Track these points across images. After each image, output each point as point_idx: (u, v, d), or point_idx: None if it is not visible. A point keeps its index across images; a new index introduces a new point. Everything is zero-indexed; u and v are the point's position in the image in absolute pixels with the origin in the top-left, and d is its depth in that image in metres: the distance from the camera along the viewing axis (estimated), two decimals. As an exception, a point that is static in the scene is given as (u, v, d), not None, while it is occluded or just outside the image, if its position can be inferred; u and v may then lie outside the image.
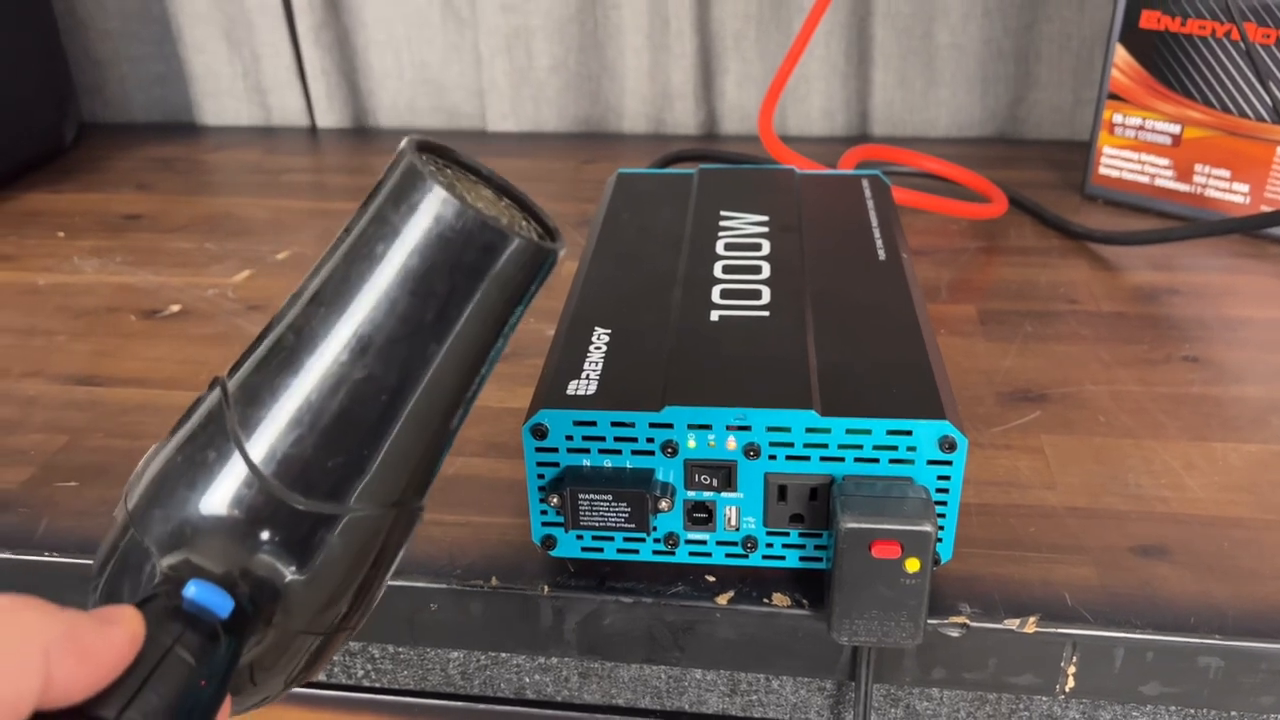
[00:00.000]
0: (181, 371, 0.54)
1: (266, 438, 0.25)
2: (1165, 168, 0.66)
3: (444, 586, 0.40)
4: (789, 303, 0.42)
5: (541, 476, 0.37)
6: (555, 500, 0.37)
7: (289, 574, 0.25)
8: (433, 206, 0.24)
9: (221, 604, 0.25)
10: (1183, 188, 0.65)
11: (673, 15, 0.81)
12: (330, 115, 0.87)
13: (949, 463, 0.36)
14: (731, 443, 0.36)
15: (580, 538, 0.39)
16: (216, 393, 0.26)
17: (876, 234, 0.48)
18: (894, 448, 0.35)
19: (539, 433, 0.36)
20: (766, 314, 0.41)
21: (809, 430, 0.35)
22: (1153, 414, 0.48)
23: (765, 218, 0.49)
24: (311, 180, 0.78)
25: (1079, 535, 0.41)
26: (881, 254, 0.46)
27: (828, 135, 0.84)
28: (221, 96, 0.88)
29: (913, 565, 0.34)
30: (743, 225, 0.49)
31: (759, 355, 0.38)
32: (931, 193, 0.66)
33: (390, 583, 0.40)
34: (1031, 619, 0.37)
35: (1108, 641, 0.37)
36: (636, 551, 0.39)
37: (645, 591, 0.39)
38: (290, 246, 0.66)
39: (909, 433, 0.35)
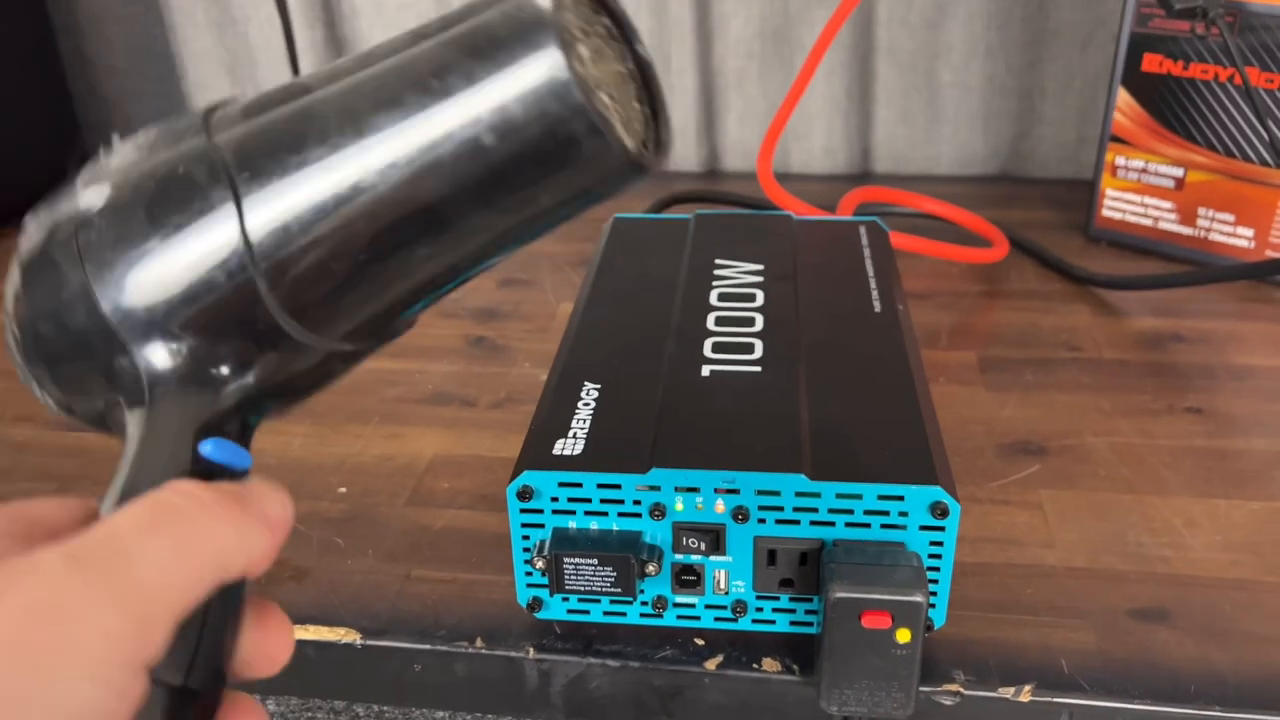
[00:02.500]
0: (173, 417, 0.53)
1: (287, 277, 0.22)
2: (1168, 211, 0.65)
3: (428, 647, 0.39)
4: (782, 357, 0.41)
5: (526, 538, 0.37)
6: (540, 564, 0.36)
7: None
8: (541, 71, 0.19)
9: (240, 459, 0.24)
10: (1186, 231, 0.65)
11: (674, 53, 0.81)
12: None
13: (941, 528, 0.35)
14: (720, 506, 0.35)
15: (566, 600, 0.38)
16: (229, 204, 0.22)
17: (873, 284, 0.47)
18: (885, 513, 0.35)
19: (524, 494, 0.36)
20: (759, 369, 0.40)
21: (799, 494, 0.35)
22: (1154, 468, 0.47)
23: (760, 266, 0.49)
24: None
25: (1077, 597, 0.40)
26: (877, 305, 0.45)
27: (830, 173, 0.84)
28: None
29: (904, 636, 0.33)
30: (737, 275, 0.48)
31: (750, 414, 0.38)
32: (933, 234, 0.66)
33: (374, 642, 0.39)
34: (1027, 688, 0.36)
35: (1105, 712, 0.36)
36: (624, 614, 0.38)
37: (632, 655, 0.38)
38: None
39: (901, 498, 0.34)
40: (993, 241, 0.65)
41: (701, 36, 0.80)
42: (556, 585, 0.36)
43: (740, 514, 0.35)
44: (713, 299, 0.46)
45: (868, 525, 0.35)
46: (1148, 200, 0.65)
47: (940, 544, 0.35)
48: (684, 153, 0.84)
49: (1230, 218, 0.63)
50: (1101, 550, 0.42)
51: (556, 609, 0.38)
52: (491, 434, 0.51)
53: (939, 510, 0.34)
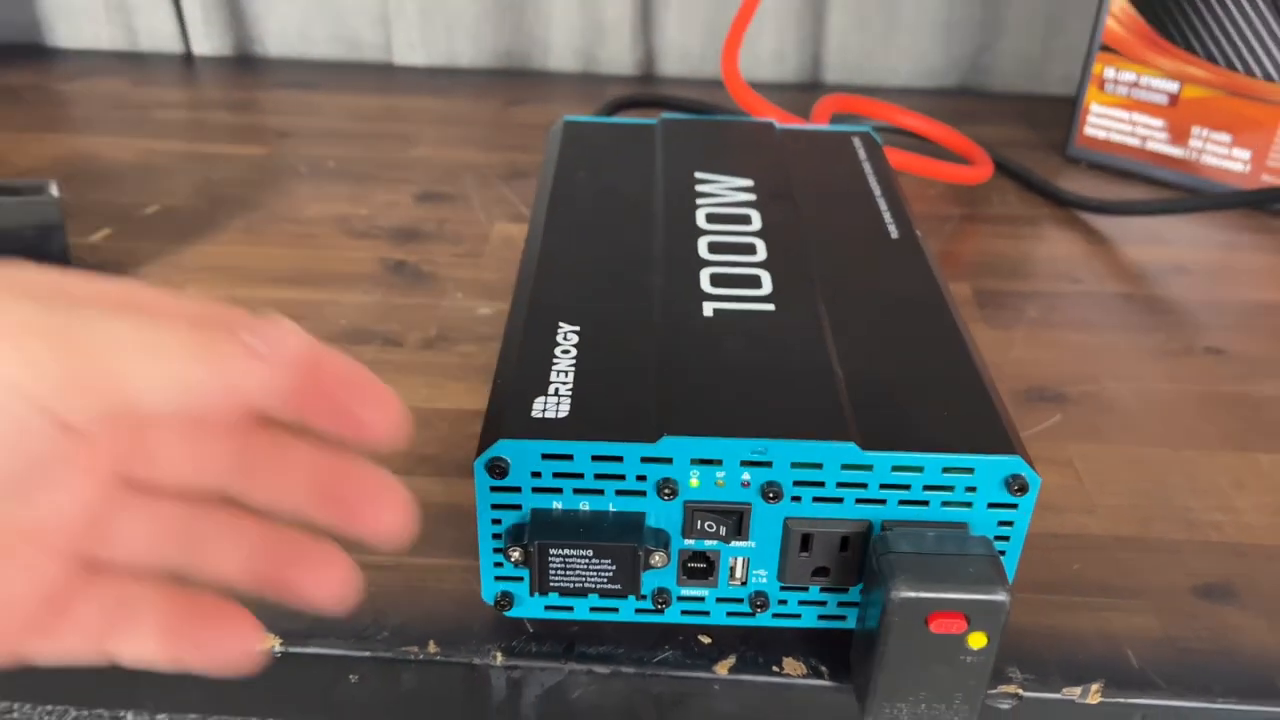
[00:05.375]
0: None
1: None
2: (1159, 129, 0.60)
3: (367, 654, 0.31)
4: (797, 294, 0.34)
5: (498, 522, 0.29)
6: (517, 555, 0.29)
7: None
8: None
9: None
10: (1176, 152, 0.60)
11: (609, -62, 0.71)
12: (208, 41, 0.74)
13: (1015, 506, 0.29)
14: (746, 481, 0.28)
15: (544, 594, 0.30)
16: None
17: (883, 205, 0.40)
18: (949, 488, 0.28)
19: (497, 469, 0.28)
20: (771, 307, 0.33)
21: (845, 467, 0.28)
22: (1186, 418, 0.42)
23: (749, 182, 0.41)
24: (187, 117, 0.67)
25: (1133, 573, 0.35)
26: (893, 231, 0.39)
27: (778, 80, 0.76)
28: (77, 16, 0.74)
29: (978, 641, 0.27)
30: (724, 191, 0.41)
31: (772, 365, 0.30)
32: (901, 149, 0.59)
33: (298, 650, 0.31)
34: (1094, 686, 0.31)
35: (1183, 713, 0.31)
36: (615, 610, 0.31)
37: (624, 658, 0.31)
38: (161, 198, 0.55)
39: (970, 470, 0.28)
40: (974, 161, 0.59)
41: (641, -80, 0.71)
42: (540, 583, 0.29)
43: (771, 492, 0.28)
44: (700, 220, 0.38)
45: (925, 503, 0.29)
46: (1137, 117, 0.60)
47: (1010, 524, 0.29)
48: (617, 54, 0.75)
49: (1226, 138, 0.58)
50: (1150, 516, 0.37)
51: (531, 605, 0.31)
52: (425, 379, 0.43)
53: (1017, 485, 0.28)
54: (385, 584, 0.33)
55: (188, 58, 0.75)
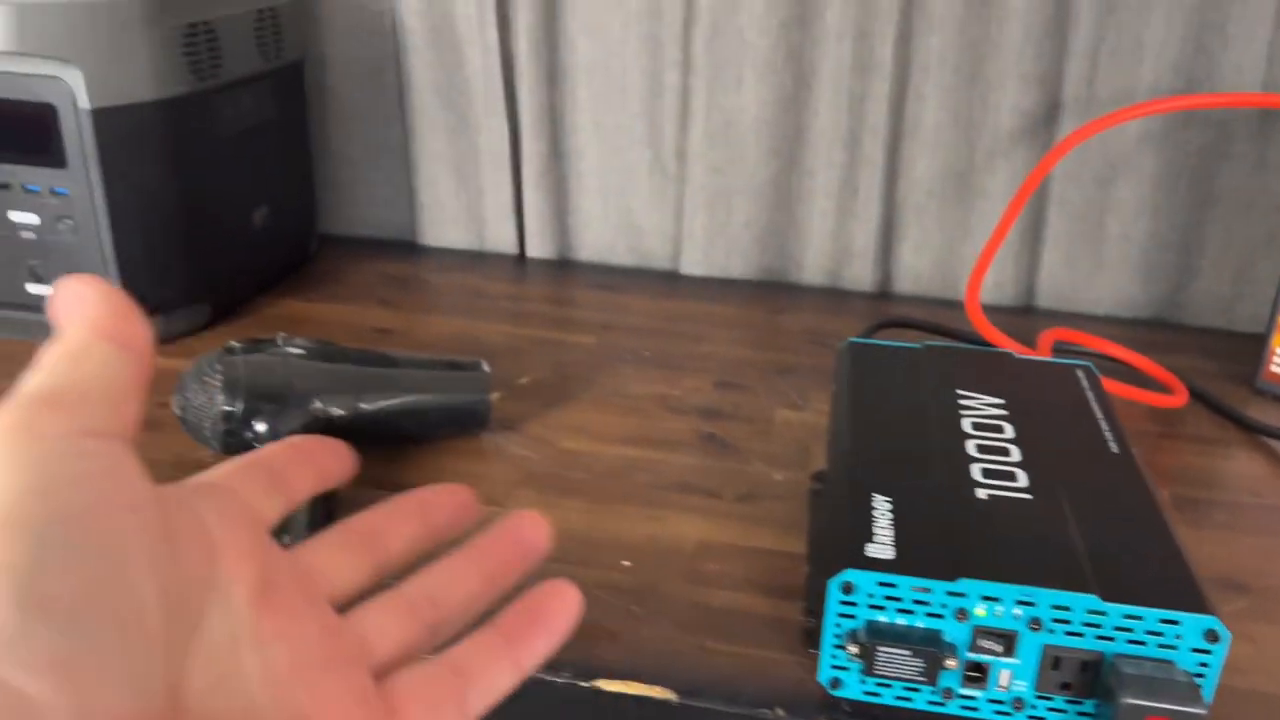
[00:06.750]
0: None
1: None
2: (1336, 374, 0.71)
3: (737, 710, 0.45)
4: (1045, 487, 0.48)
5: (839, 626, 0.43)
6: (854, 649, 0.42)
7: None
8: None
9: None
10: (1352, 394, 0.70)
11: (862, 185, 0.89)
12: (539, 247, 0.95)
13: (1210, 652, 0.41)
14: (1018, 614, 0.42)
15: (863, 681, 0.44)
16: None
17: (1104, 426, 0.54)
18: (1161, 634, 0.41)
19: (847, 589, 0.42)
20: (1029, 496, 0.47)
21: (1089, 611, 0.41)
22: (1352, 614, 0.52)
23: (1002, 400, 0.56)
24: (527, 308, 0.86)
25: (1302, 724, 0.45)
26: (1114, 447, 0.52)
27: (996, 304, 0.91)
28: (445, 223, 0.97)
29: (1183, 741, 0.39)
30: (982, 406, 0.55)
31: (1034, 537, 0.44)
32: (1107, 373, 0.72)
33: (688, 702, 0.46)
34: (1270, 799, 0.42)
35: (1342, 828, 0.41)
36: (911, 700, 0.44)
37: (916, 736, 0.44)
38: (528, 372, 0.74)
39: (1178, 623, 0.40)
40: (1172, 389, 0.71)
41: (889, 173, 0.88)
42: (868, 669, 0.42)
43: (1035, 624, 0.41)
44: (966, 427, 0.53)
45: (1143, 643, 0.41)
46: (1316, 363, 0.72)
47: (1207, 665, 0.41)
48: (860, 274, 0.92)
49: (1397, 386, 0.68)
50: (1317, 684, 0.48)
51: (853, 689, 0.44)
52: (741, 525, 0.58)
53: (1211, 636, 0.40)
54: (741, 666, 0.47)
55: (521, 258, 0.96)
